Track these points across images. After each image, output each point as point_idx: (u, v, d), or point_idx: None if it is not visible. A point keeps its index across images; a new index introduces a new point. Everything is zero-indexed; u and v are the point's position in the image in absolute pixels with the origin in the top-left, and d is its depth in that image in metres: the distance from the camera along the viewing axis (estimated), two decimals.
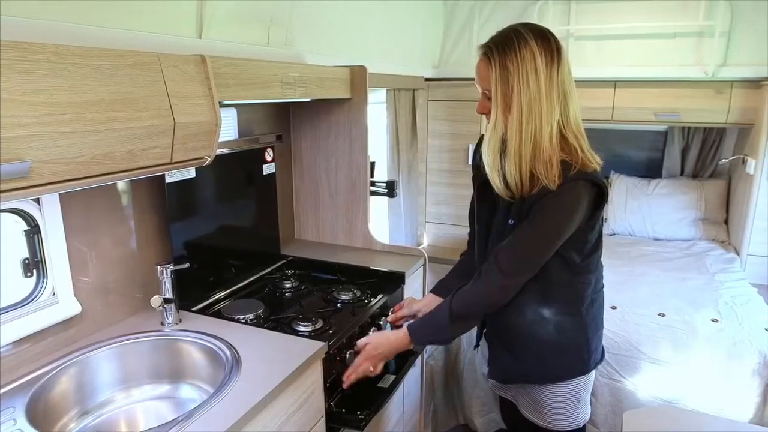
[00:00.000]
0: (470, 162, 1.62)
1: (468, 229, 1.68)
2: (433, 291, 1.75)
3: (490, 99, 1.32)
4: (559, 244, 1.33)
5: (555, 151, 1.28)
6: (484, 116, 1.38)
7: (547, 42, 1.27)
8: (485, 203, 1.48)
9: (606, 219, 3.47)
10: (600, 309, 1.54)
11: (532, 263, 1.35)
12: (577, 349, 1.49)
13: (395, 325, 1.76)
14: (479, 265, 1.51)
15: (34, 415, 1.16)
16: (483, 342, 1.65)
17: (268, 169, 2.05)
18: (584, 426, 1.58)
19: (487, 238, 1.49)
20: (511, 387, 1.62)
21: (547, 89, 1.25)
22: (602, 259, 1.50)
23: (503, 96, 1.27)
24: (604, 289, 1.55)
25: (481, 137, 1.46)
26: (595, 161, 1.33)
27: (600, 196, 1.33)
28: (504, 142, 1.30)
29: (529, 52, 1.24)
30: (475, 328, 1.66)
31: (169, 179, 1.60)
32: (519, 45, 1.25)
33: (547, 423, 1.53)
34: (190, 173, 1.67)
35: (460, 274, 1.71)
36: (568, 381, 1.50)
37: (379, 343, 1.54)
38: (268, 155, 2.04)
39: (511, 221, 1.38)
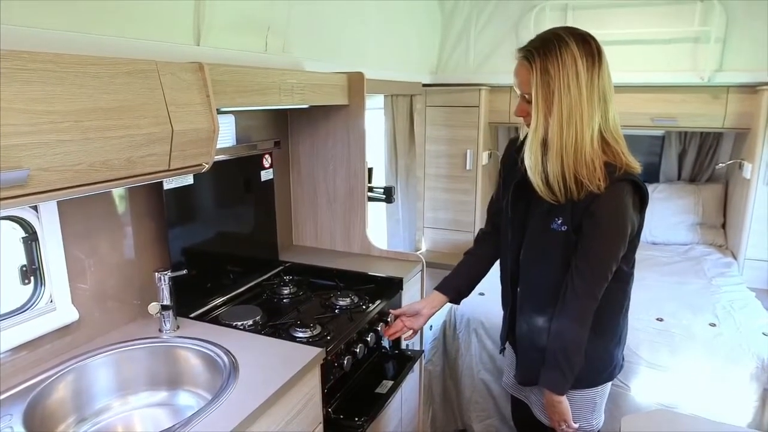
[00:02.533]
0: (501, 159, 1.62)
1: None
2: (438, 288, 1.70)
3: (528, 102, 1.32)
4: (623, 245, 1.33)
5: (597, 154, 1.28)
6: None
7: (588, 46, 1.27)
8: (521, 203, 1.47)
9: None
10: (627, 318, 1.55)
11: (607, 275, 1.35)
12: (608, 356, 1.50)
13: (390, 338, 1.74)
14: (508, 263, 1.53)
15: (31, 422, 1.16)
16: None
17: (266, 175, 2.05)
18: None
19: (521, 238, 1.48)
20: (527, 388, 1.62)
21: (588, 93, 1.25)
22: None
23: (544, 100, 1.27)
24: None
25: (513, 139, 1.50)
26: (636, 165, 1.33)
27: (642, 199, 1.34)
28: (545, 145, 1.30)
29: (570, 57, 1.24)
30: (501, 328, 1.68)
31: (167, 186, 1.60)
32: (560, 49, 1.25)
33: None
34: (188, 180, 1.67)
35: (467, 276, 1.70)
36: (592, 387, 1.51)
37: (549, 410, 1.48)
38: (266, 161, 2.04)
39: (564, 227, 1.36)
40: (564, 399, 1.43)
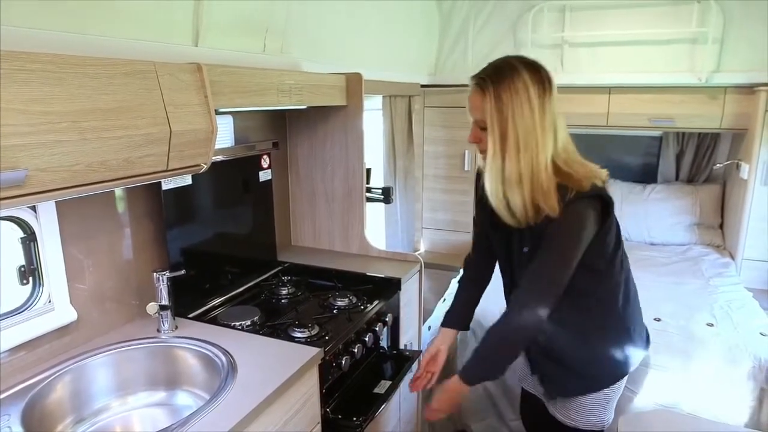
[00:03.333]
0: (475, 186, 1.62)
1: (470, 237, 1.70)
2: (445, 325, 1.73)
3: (482, 129, 1.35)
4: (575, 262, 1.35)
5: (551, 179, 1.31)
6: (476, 146, 1.41)
7: (538, 74, 1.31)
8: (499, 230, 1.49)
9: None
10: (635, 299, 1.56)
11: (555, 288, 1.37)
12: (624, 347, 1.53)
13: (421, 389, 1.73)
14: (509, 291, 1.57)
15: (29, 422, 1.17)
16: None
17: (264, 175, 2.06)
18: (605, 429, 1.61)
19: (511, 264, 1.52)
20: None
21: (540, 119, 1.29)
22: (622, 271, 1.51)
23: (499, 126, 1.30)
24: None
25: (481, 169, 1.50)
26: (597, 177, 1.35)
27: (606, 206, 1.36)
28: (504, 172, 1.33)
29: (522, 84, 1.28)
30: None
31: (165, 186, 1.61)
32: (513, 76, 1.29)
33: (573, 422, 1.56)
34: (187, 180, 1.68)
35: (467, 303, 1.73)
36: (605, 388, 1.54)
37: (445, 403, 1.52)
38: (265, 162, 2.05)
39: (525, 249, 1.42)
40: (465, 390, 1.46)
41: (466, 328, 1.75)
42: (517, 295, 1.42)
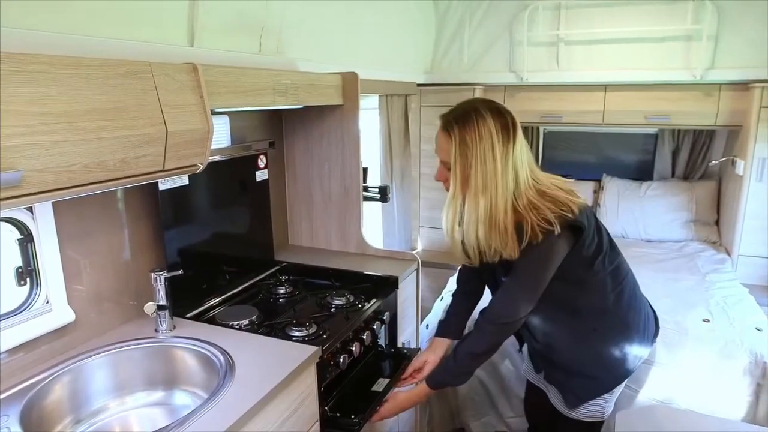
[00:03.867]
0: None
1: None
2: (439, 335, 1.78)
3: (448, 169, 1.40)
4: (542, 288, 1.41)
5: (510, 222, 1.35)
6: (443, 183, 1.47)
7: (504, 119, 1.35)
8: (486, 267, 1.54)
9: None
10: (632, 296, 1.58)
11: (522, 306, 1.44)
12: (627, 344, 1.55)
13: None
14: None
15: (27, 423, 1.17)
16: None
17: (261, 175, 2.06)
18: (603, 421, 1.64)
19: (497, 289, 1.57)
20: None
21: (502, 165, 1.33)
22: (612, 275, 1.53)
23: (461, 169, 1.35)
24: None
25: None
26: (569, 209, 1.35)
27: (564, 253, 1.39)
28: (462, 213, 1.38)
29: (487, 130, 1.32)
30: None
31: (162, 186, 1.61)
32: (478, 122, 1.33)
33: (575, 413, 1.59)
34: (183, 180, 1.67)
35: (461, 314, 1.78)
36: (622, 381, 1.60)
37: (397, 406, 1.63)
38: (261, 162, 2.05)
39: (503, 278, 1.49)
40: (421, 398, 1.62)
41: (459, 337, 1.77)
42: (487, 316, 1.50)
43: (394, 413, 1.64)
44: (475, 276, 1.73)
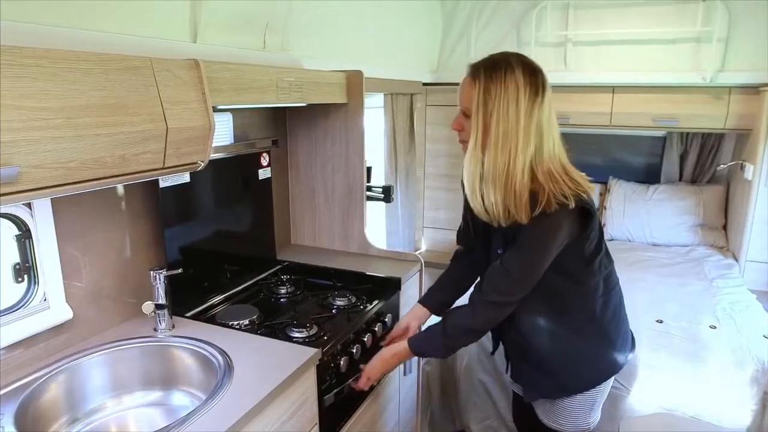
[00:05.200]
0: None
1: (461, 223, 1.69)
2: (422, 301, 1.75)
3: (466, 117, 1.34)
4: (542, 269, 1.36)
5: (525, 186, 1.29)
6: (457, 134, 1.40)
7: (535, 77, 1.28)
8: (479, 227, 1.49)
9: (605, 224, 3.46)
10: (618, 307, 1.54)
11: (519, 289, 1.39)
12: (603, 353, 1.51)
13: None
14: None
15: (23, 422, 1.15)
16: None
17: (263, 173, 2.04)
18: (593, 430, 1.60)
19: (488, 262, 1.50)
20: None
21: (525, 123, 1.26)
22: (604, 270, 1.49)
23: (483, 117, 1.28)
24: None
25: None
26: (584, 191, 1.32)
27: (588, 216, 1.34)
28: (482, 166, 1.31)
29: (513, 83, 1.26)
30: (490, 332, 1.66)
31: (163, 184, 1.59)
32: (506, 74, 1.26)
33: (558, 425, 1.55)
34: (185, 178, 1.66)
35: (450, 286, 1.74)
36: (590, 390, 1.52)
37: (381, 361, 1.57)
38: (264, 160, 2.03)
39: (499, 250, 1.43)
40: (404, 360, 1.55)
41: (440, 312, 1.71)
42: (483, 289, 1.42)
43: (379, 371, 1.56)
44: (470, 256, 1.68)
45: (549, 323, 1.47)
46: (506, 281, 1.38)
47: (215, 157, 1.71)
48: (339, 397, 1.58)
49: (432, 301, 1.73)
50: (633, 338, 1.61)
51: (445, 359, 2.56)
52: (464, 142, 1.36)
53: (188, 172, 1.59)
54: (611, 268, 1.50)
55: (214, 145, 1.35)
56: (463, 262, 1.73)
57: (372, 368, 1.56)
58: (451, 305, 1.72)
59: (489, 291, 1.40)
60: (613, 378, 1.58)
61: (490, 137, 1.27)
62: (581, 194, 1.31)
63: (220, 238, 1.89)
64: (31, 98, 0.92)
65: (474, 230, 1.54)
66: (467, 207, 1.50)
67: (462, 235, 1.70)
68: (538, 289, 1.39)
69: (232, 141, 1.87)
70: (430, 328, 1.53)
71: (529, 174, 1.29)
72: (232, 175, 1.92)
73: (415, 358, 2.11)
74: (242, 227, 2.01)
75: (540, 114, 1.28)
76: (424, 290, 2.25)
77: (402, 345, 1.53)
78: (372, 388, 1.69)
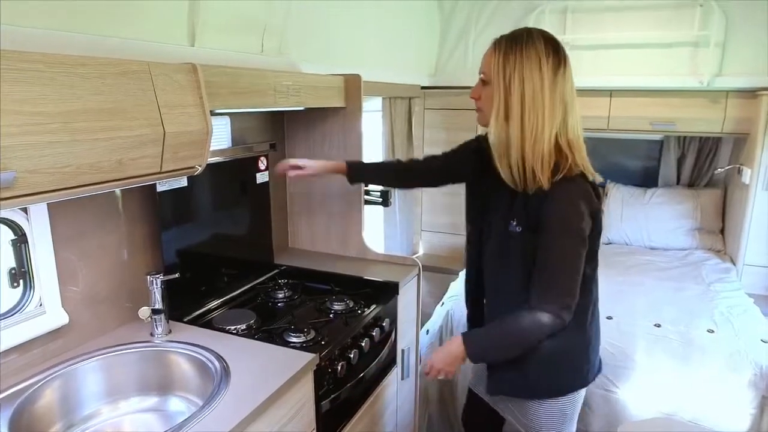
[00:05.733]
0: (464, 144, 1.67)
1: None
2: (349, 161, 1.83)
3: (484, 83, 1.35)
4: (585, 246, 1.33)
5: (551, 153, 1.29)
6: (474, 102, 1.41)
7: (557, 51, 1.30)
8: (478, 199, 1.50)
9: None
10: (598, 320, 1.53)
11: (574, 275, 1.32)
12: (580, 361, 1.49)
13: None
14: (472, 274, 1.56)
15: (17, 428, 1.15)
16: None
17: (261, 177, 2.03)
18: None
19: (480, 237, 1.49)
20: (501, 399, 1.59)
21: (550, 89, 1.27)
22: (598, 268, 1.49)
23: (501, 80, 1.28)
24: (600, 299, 1.54)
25: (479, 137, 1.54)
26: (591, 172, 1.34)
27: (594, 201, 1.34)
28: (507, 129, 1.30)
29: (535, 51, 1.27)
30: (467, 322, 1.68)
31: (160, 188, 1.58)
32: (527, 43, 1.28)
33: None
34: (182, 182, 1.65)
35: (383, 167, 1.87)
36: (567, 395, 1.49)
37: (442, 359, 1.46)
38: (262, 164, 2.03)
39: (518, 228, 1.36)
40: (463, 357, 1.41)
41: (352, 176, 1.82)
42: (540, 294, 1.33)
43: (443, 362, 1.44)
44: (436, 172, 1.75)
45: None
46: (556, 284, 1.32)
47: (213, 161, 1.70)
48: (336, 402, 1.58)
49: (355, 164, 1.82)
50: (601, 363, 1.58)
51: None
52: (480, 110, 1.38)
53: (185, 176, 1.58)
54: (597, 273, 1.47)
55: (212, 149, 1.35)
56: (423, 165, 1.80)
57: (437, 359, 1.46)
58: (368, 174, 1.87)
59: (549, 296, 1.31)
60: (583, 393, 1.54)
61: (513, 100, 1.27)
62: (596, 174, 1.34)
63: (218, 242, 1.88)
64: (28, 103, 0.92)
65: (473, 202, 1.54)
66: (472, 165, 1.52)
67: (442, 161, 1.72)
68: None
69: (230, 145, 1.87)
70: (487, 333, 1.44)
71: (555, 142, 1.30)
72: (230, 178, 1.91)
73: (412, 361, 2.13)
74: (240, 231, 2.00)
75: (564, 84, 1.29)
76: (423, 294, 2.26)
77: (459, 349, 1.42)
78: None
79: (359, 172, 1.85)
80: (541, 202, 1.30)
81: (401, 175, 1.85)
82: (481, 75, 1.36)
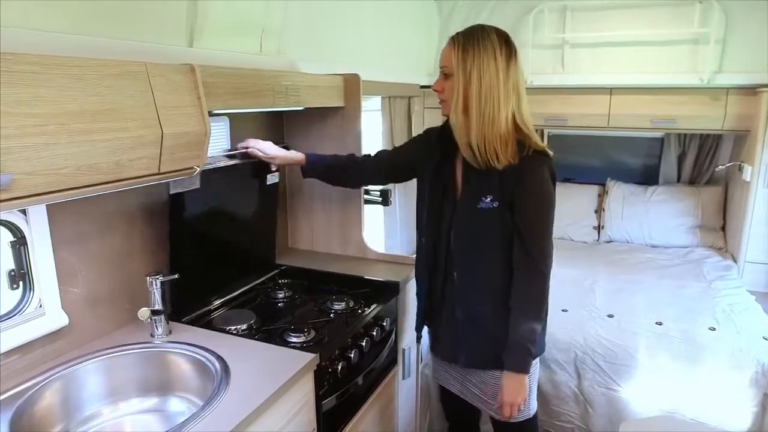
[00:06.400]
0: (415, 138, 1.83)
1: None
2: (308, 156, 1.88)
3: (446, 77, 1.46)
4: (554, 203, 1.48)
5: (511, 134, 1.42)
6: (437, 94, 1.52)
7: (507, 42, 1.43)
8: (438, 185, 1.58)
9: (603, 226, 3.46)
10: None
11: (550, 242, 1.48)
12: (543, 332, 1.58)
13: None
14: (431, 251, 1.62)
15: (18, 430, 1.14)
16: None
17: (272, 179, 2.00)
18: (535, 416, 1.66)
19: (440, 220, 1.58)
20: (457, 376, 1.69)
21: (504, 77, 1.39)
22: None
23: (462, 73, 1.40)
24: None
25: (437, 127, 1.65)
26: (548, 150, 1.48)
27: (554, 177, 1.48)
28: (467, 113, 1.41)
29: (490, 43, 1.40)
30: (417, 317, 1.75)
31: (173, 190, 1.56)
32: (482, 36, 1.41)
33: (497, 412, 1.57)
34: (195, 183, 1.63)
35: (333, 162, 1.89)
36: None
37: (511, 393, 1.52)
38: (273, 165, 1.99)
39: (495, 203, 1.46)
40: (526, 379, 1.50)
41: (305, 168, 1.88)
42: (531, 255, 1.46)
43: (519, 395, 1.51)
44: (372, 171, 1.88)
45: (506, 295, 1.50)
46: (542, 241, 1.46)
47: (226, 164, 1.74)
48: (337, 402, 1.57)
49: (311, 158, 1.87)
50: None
51: None
52: (444, 102, 1.49)
53: (184, 177, 1.57)
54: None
55: (214, 151, 1.34)
56: (361, 164, 1.89)
57: (508, 394, 1.51)
58: (315, 172, 1.90)
59: (525, 260, 1.46)
60: (539, 366, 1.69)
61: (472, 92, 1.39)
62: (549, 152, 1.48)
63: (217, 243, 1.87)
64: (25, 104, 0.92)
65: (431, 191, 1.60)
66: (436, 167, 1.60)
67: (380, 162, 1.87)
68: (507, 252, 1.47)
69: (229, 146, 1.85)
70: (512, 344, 1.49)
71: (513, 123, 1.43)
72: (241, 179, 1.90)
73: (413, 360, 2.13)
74: (243, 232, 1.99)
75: (516, 73, 1.42)
76: None
77: (521, 380, 1.49)
78: None
79: (312, 167, 1.89)
80: (517, 176, 1.43)
81: (348, 172, 1.91)
82: (443, 68, 1.47)
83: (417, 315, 1.76)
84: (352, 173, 1.90)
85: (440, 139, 1.58)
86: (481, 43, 1.39)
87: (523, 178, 1.43)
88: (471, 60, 1.39)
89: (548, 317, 1.58)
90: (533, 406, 1.65)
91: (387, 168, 1.86)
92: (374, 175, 1.93)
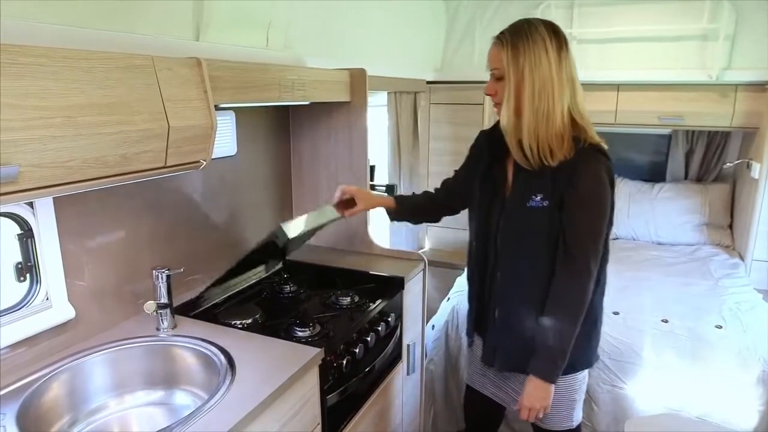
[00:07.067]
0: (470, 147, 1.74)
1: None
2: (397, 197, 1.83)
3: (497, 80, 1.39)
4: (608, 220, 1.40)
5: (567, 129, 1.36)
6: (490, 105, 1.46)
7: (556, 33, 1.37)
8: (488, 186, 1.53)
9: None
10: (602, 300, 1.55)
11: (598, 248, 1.40)
12: (588, 341, 1.51)
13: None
14: (480, 250, 1.57)
15: (25, 422, 1.15)
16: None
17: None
18: (578, 427, 1.60)
19: (496, 225, 1.51)
20: (494, 379, 1.65)
21: (557, 70, 1.33)
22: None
23: (515, 74, 1.34)
24: (607, 294, 1.56)
25: (484, 130, 1.62)
26: (604, 145, 1.42)
27: (611, 175, 1.40)
28: (519, 114, 1.36)
29: (540, 37, 1.33)
30: (467, 322, 1.69)
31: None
32: (530, 30, 1.35)
33: (542, 423, 1.54)
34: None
35: (421, 203, 1.84)
36: (573, 374, 1.51)
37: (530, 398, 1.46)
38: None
39: (544, 203, 1.39)
40: (551, 387, 1.43)
41: (394, 211, 1.81)
42: (573, 257, 1.38)
43: (538, 401, 1.44)
44: (445, 202, 1.81)
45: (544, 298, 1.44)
46: (577, 245, 1.38)
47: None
48: (342, 397, 1.58)
49: (400, 199, 1.82)
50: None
51: (449, 360, 2.55)
52: (498, 105, 1.41)
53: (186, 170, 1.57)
54: (608, 256, 1.49)
55: (217, 145, 1.35)
56: (438, 198, 1.82)
57: (528, 399, 1.45)
58: (404, 217, 1.86)
59: (568, 263, 1.38)
60: (587, 377, 1.58)
61: (525, 90, 1.33)
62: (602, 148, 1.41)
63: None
64: (32, 97, 0.92)
65: (482, 191, 1.56)
66: (476, 167, 1.58)
67: (446, 191, 1.81)
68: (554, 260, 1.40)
69: (235, 139, 1.86)
70: (540, 348, 1.43)
71: (569, 118, 1.37)
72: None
73: (418, 356, 2.13)
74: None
75: (569, 64, 1.36)
76: (429, 289, 2.25)
77: (545, 387, 1.42)
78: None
79: (403, 207, 1.82)
80: (570, 173, 1.36)
81: (428, 212, 1.87)
82: (494, 71, 1.40)
83: (467, 320, 1.70)
84: (429, 211, 1.86)
85: (490, 139, 1.53)
86: (530, 38, 1.33)
87: (576, 177, 1.35)
88: (522, 57, 1.33)
89: (595, 328, 1.51)
90: (577, 417, 1.58)
91: (456, 194, 1.77)
92: (448, 205, 1.82)
